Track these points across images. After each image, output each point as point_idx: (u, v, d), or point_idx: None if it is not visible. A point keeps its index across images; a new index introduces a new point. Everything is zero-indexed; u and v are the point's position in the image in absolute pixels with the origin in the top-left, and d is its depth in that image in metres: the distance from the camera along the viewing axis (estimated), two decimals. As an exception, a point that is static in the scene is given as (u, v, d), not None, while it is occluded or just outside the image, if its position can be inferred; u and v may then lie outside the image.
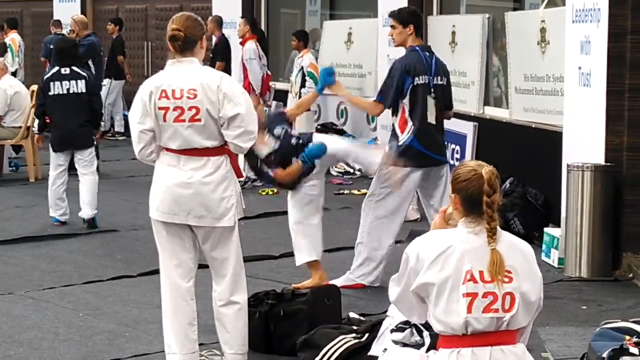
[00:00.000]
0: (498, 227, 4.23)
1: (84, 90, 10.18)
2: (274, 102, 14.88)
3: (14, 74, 16.14)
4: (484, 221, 4.21)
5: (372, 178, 8.15)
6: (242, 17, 14.07)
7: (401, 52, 8.02)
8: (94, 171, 10.26)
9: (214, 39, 14.16)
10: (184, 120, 5.63)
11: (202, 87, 5.61)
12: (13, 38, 17.45)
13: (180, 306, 5.79)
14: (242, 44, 13.22)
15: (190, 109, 5.62)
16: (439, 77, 7.83)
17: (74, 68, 10.27)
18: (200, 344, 5.92)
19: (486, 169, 4.24)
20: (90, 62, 14.89)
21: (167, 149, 5.72)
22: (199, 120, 5.62)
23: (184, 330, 5.78)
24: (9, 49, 17.02)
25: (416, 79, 7.69)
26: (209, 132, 5.65)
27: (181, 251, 5.79)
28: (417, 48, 7.82)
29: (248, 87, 12.66)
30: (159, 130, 5.68)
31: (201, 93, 5.61)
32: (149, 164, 5.84)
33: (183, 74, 5.66)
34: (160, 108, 5.64)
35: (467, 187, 4.24)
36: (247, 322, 5.89)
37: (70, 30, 16.20)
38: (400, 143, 7.72)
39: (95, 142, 10.52)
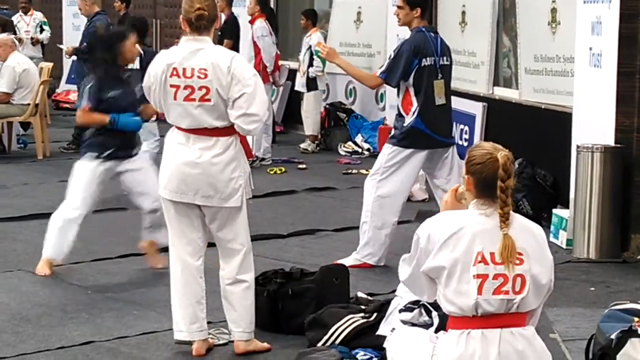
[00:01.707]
0: (511, 212, 4.21)
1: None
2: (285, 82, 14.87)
3: (43, 45, 16.54)
4: (496, 204, 4.20)
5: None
6: (252, -5, 14.00)
7: (409, 32, 7.98)
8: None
9: (223, 17, 14.11)
10: (194, 100, 5.62)
11: (213, 67, 5.59)
12: (40, 13, 17.53)
13: (189, 284, 5.79)
14: (252, 22, 13.17)
15: (200, 88, 5.61)
16: (444, 58, 7.82)
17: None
18: (208, 323, 5.93)
19: (502, 153, 4.21)
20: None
21: (178, 128, 5.72)
22: (209, 100, 5.61)
23: (193, 308, 5.79)
24: (44, 24, 17.08)
25: (423, 60, 7.67)
26: (218, 112, 5.63)
27: (190, 230, 5.79)
28: (423, 29, 7.80)
29: (259, 65, 12.62)
30: (167, 108, 5.68)
31: (212, 73, 5.59)
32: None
33: (195, 53, 5.64)
34: (171, 86, 5.64)
35: (482, 171, 4.22)
36: (254, 301, 5.89)
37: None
38: (405, 124, 7.71)
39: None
